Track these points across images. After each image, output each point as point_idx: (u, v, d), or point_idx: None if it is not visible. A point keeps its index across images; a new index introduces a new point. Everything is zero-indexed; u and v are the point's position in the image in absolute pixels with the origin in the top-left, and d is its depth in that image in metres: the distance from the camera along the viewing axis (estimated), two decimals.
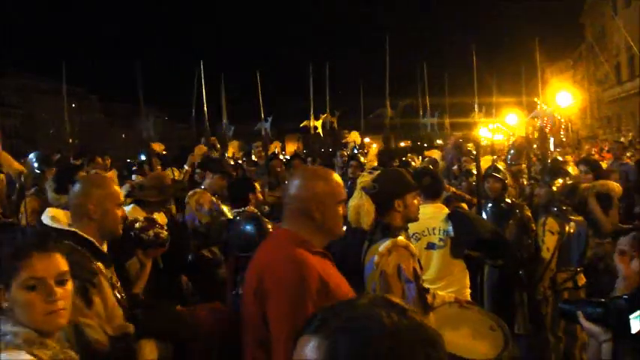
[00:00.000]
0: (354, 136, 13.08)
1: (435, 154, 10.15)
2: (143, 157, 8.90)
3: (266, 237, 3.71)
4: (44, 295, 1.83)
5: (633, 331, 1.93)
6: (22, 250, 1.85)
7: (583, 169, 6.24)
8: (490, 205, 5.59)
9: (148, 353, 2.61)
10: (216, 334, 2.64)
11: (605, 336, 1.99)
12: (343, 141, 28.28)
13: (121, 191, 5.32)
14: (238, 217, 4.66)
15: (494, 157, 9.20)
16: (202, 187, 5.71)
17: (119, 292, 2.68)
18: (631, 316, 1.94)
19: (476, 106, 14.88)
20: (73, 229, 2.63)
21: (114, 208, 2.76)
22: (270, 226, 4.27)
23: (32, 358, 1.73)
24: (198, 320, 2.73)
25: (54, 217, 2.70)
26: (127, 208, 4.35)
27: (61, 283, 1.89)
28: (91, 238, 2.63)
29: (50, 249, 1.90)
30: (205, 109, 11.84)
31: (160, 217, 4.47)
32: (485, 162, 8.77)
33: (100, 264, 2.60)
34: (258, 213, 4.86)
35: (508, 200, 5.58)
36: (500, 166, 8.48)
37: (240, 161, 10.03)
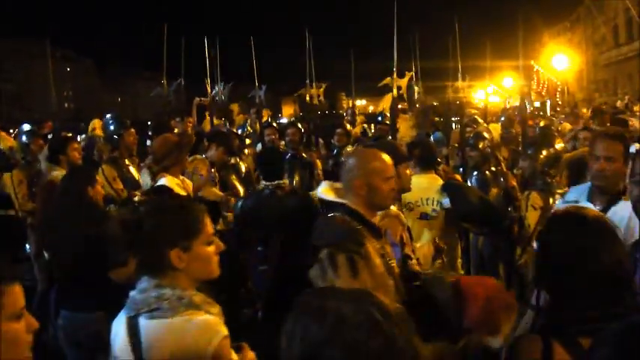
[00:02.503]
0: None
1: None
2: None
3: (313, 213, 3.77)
4: (216, 250, 2.12)
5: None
6: (203, 212, 2.13)
7: (586, 135, 5.71)
8: (475, 173, 5.66)
9: None
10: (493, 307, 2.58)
11: None
12: (342, 106, 27.89)
13: (144, 175, 5.13)
14: (276, 191, 4.46)
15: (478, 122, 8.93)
16: (204, 156, 5.80)
17: (390, 263, 2.76)
18: None
19: (459, 71, 14.27)
20: (342, 201, 2.77)
21: (380, 182, 2.77)
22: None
23: (213, 317, 1.97)
24: (472, 292, 2.70)
25: (325, 192, 2.86)
26: (162, 181, 4.43)
27: None
28: (360, 210, 2.74)
29: None
30: (218, 72, 11.02)
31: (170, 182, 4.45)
32: (495, 130, 8.64)
33: (369, 235, 2.69)
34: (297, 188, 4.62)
35: (493, 168, 5.62)
36: (493, 129, 8.34)
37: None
